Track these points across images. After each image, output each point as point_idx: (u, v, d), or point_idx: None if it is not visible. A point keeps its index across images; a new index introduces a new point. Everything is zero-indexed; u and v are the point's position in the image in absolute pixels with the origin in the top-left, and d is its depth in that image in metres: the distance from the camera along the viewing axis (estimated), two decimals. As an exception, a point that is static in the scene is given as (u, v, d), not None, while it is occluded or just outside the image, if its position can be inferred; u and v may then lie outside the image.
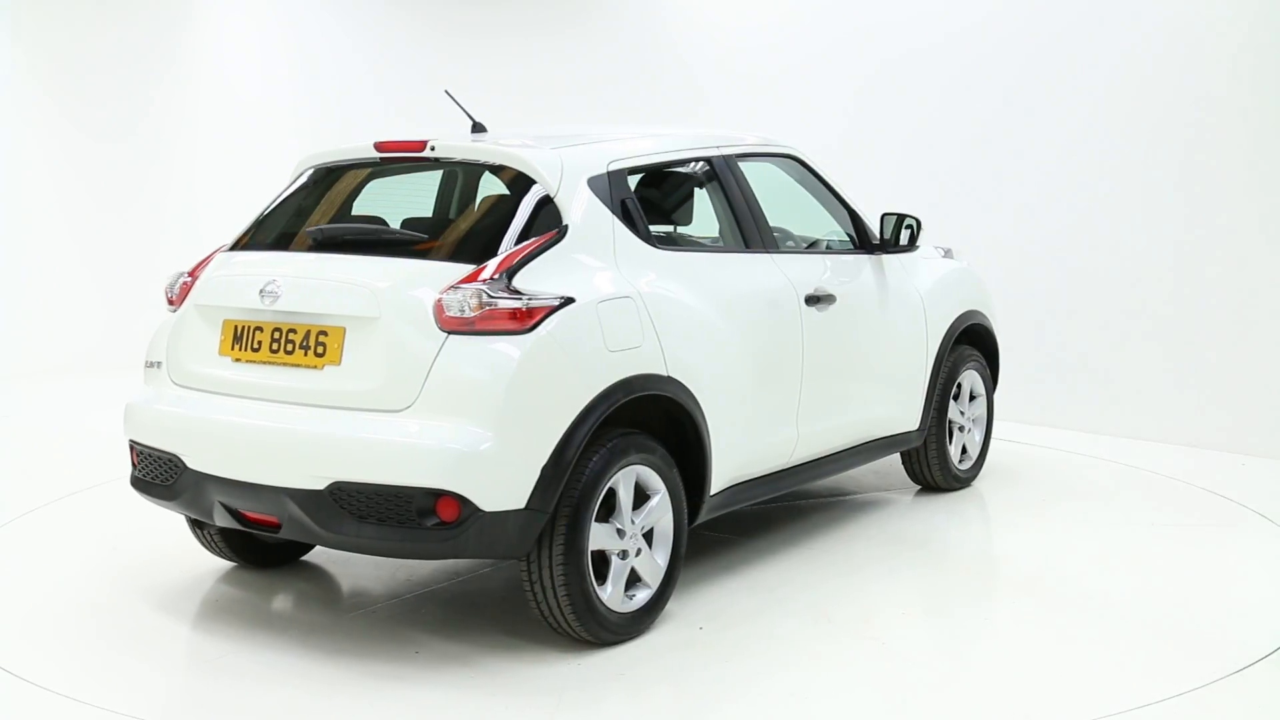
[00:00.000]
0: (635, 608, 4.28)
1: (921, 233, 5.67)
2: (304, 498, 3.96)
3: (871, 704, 3.84)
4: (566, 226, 4.22)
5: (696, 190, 5.09)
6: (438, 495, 3.83)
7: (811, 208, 5.65)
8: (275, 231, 4.68)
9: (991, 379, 6.43)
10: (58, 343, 10.21)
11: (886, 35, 8.53)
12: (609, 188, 4.43)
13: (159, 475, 4.45)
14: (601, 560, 4.19)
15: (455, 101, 5.16)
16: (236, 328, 4.30)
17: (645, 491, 4.32)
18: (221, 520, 4.27)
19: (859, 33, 8.68)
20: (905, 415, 5.78)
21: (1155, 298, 7.46)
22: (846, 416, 5.38)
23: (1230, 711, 3.80)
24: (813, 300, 5.08)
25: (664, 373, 4.29)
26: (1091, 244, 7.67)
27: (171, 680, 4.16)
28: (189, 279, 4.62)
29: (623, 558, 4.23)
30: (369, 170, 4.78)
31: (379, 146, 4.58)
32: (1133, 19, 7.47)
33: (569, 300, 4.03)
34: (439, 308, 3.93)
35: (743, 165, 5.35)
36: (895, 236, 5.60)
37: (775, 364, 4.90)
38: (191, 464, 4.26)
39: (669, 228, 5.10)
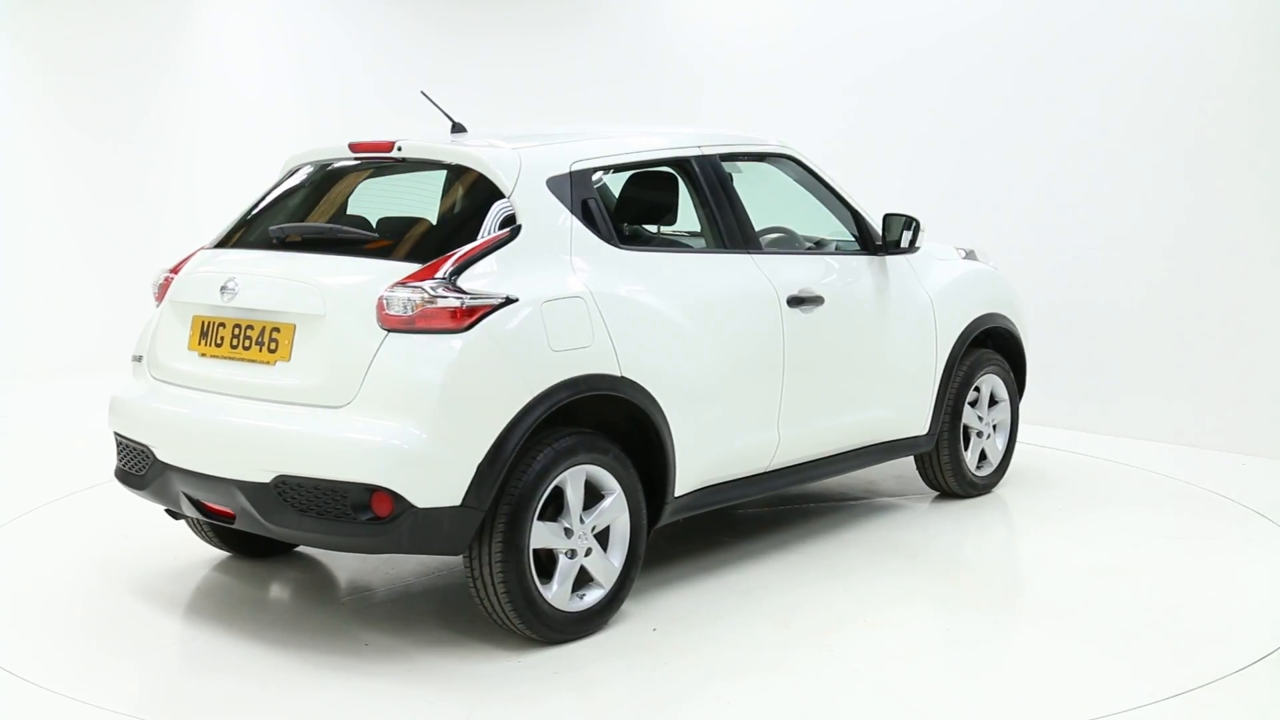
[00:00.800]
0: (585, 607, 4.30)
1: (922, 233, 5.56)
2: (252, 490, 4.06)
3: (799, 713, 3.78)
4: (520, 226, 4.26)
5: (674, 190, 5.06)
6: (372, 490, 3.89)
7: (816, 208, 5.59)
8: (253, 230, 4.77)
9: (1017, 384, 6.29)
10: (58, 343, 10.20)
11: (888, 34, 8.53)
12: (570, 188, 4.45)
13: (135, 466, 4.57)
14: (550, 558, 4.22)
15: (433, 102, 5.20)
16: (203, 323, 4.44)
17: (601, 492, 4.33)
18: (188, 510, 4.40)
19: (860, 32, 8.68)
20: (911, 419, 5.69)
21: (1155, 298, 7.46)
22: (839, 420, 5.31)
23: (1230, 711, 3.80)
24: (796, 302, 5.01)
25: (616, 373, 4.30)
26: (1091, 244, 7.67)
27: (148, 675, 4.19)
28: (171, 275, 4.74)
29: (570, 557, 4.24)
30: (358, 169, 4.81)
31: (353, 147, 4.69)
32: (1138, 16, 7.45)
33: (511, 300, 4.07)
34: (380, 306, 4.00)
35: (737, 165, 5.34)
36: (898, 238, 5.52)
37: (750, 366, 4.85)
38: (160, 455, 4.39)
39: (649, 227, 5.10)
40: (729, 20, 9.48)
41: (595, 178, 4.61)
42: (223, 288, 4.34)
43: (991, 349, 6.13)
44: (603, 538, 4.36)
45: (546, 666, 4.10)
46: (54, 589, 4.94)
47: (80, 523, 5.87)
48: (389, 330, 3.98)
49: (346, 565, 5.18)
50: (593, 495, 4.32)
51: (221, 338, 4.35)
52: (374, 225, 4.53)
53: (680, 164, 5.00)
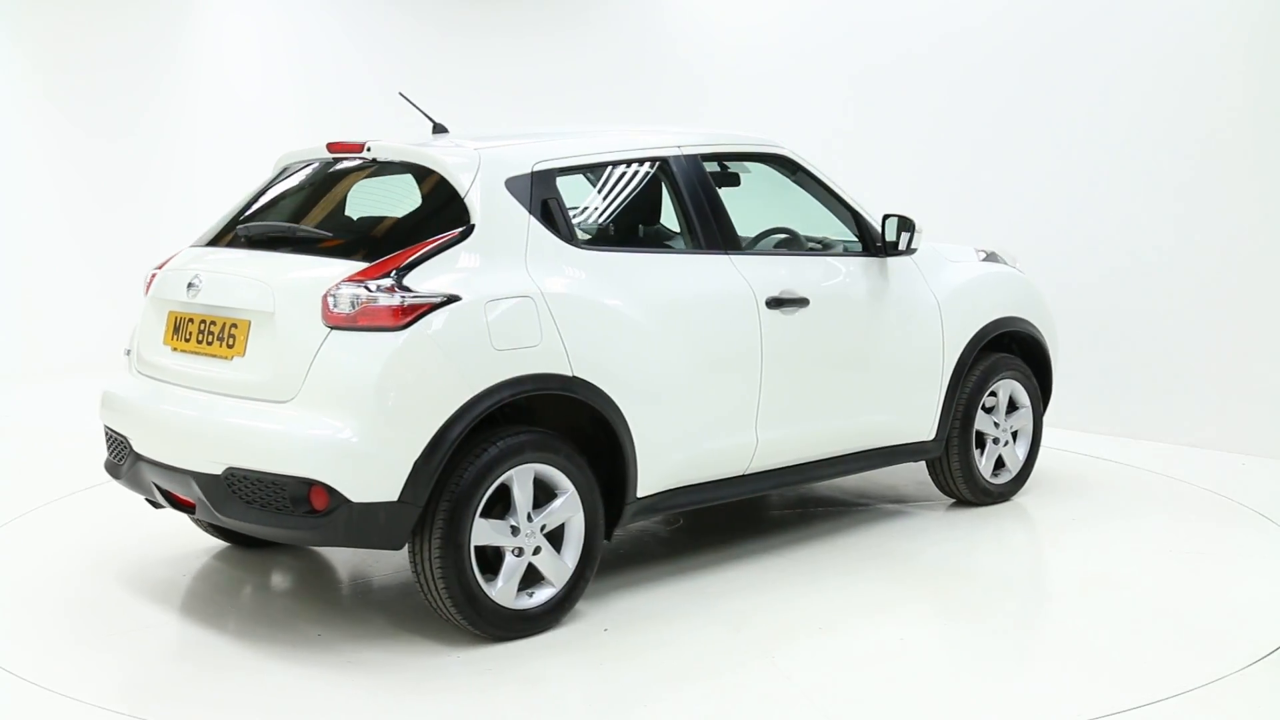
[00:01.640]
0: (533, 605, 4.33)
1: (918, 235, 5.44)
2: (205, 481, 4.19)
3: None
4: (473, 226, 4.29)
5: (649, 190, 5.07)
6: (309, 484, 3.99)
7: (822, 208, 5.52)
8: (231, 229, 4.86)
9: (1040, 390, 6.13)
10: (58, 342, 10.20)
11: (889, 32, 8.53)
12: (530, 188, 4.47)
13: (117, 456, 4.74)
14: (499, 555, 4.26)
15: (412, 103, 5.25)
16: (175, 319, 4.60)
17: (555, 491, 4.36)
18: (161, 499, 4.51)
19: (860, 30, 8.67)
20: (916, 424, 5.59)
21: (1154, 297, 7.46)
22: (829, 423, 5.25)
23: (1230, 711, 3.80)
24: (777, 303, 4.96)
25: (567, 372, 4.32)
26: (1090, 244, 7.67)
27: (140, 671, 4.22)
28: (158, 272, 4.86)
29: (518, 555, 4.27)
30: (342, 169, 4.84)
31: (330, 147, 4.77)
32: (1144, 11, 7.41)
33: (453, 298, 4.11)
34: (325, 303, 4.08)
35: (745, 165, 5.34)
36: (895, 239, 5.41)
37: (721, 367, 4.80)
38: (135, 446, 4.54)
39: (631, 227, 5.12)
40: (729, 20, 9.48)
41: (561, 178, 4.63)
42: (189, 284, 4.49)
43: (1012, 354, 5.99)
44: (557, 537, 4.38)
45: (485, 662, 4.15)
46: (53, 589, 4.95)
47: (80, 523, 5.87)
48: (332, 327, 4.07)
49: (344, 557, 5.23)
50: (549, 495, 4.35)
51: (190, 333, 4.50)
52: (343, 224, 4.62)
53: (658, 164, 4.98)
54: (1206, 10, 7.19)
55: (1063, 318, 7.76)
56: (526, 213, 4.42)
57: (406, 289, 4.06)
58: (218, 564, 5.22)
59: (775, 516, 5.87)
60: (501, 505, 4.24)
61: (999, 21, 8.03)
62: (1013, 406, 6.01)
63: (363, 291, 4.03)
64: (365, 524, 4.00)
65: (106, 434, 4.82)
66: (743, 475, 5.00)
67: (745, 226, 5.68)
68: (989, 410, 5.90)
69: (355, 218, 4.64)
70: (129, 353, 4.87)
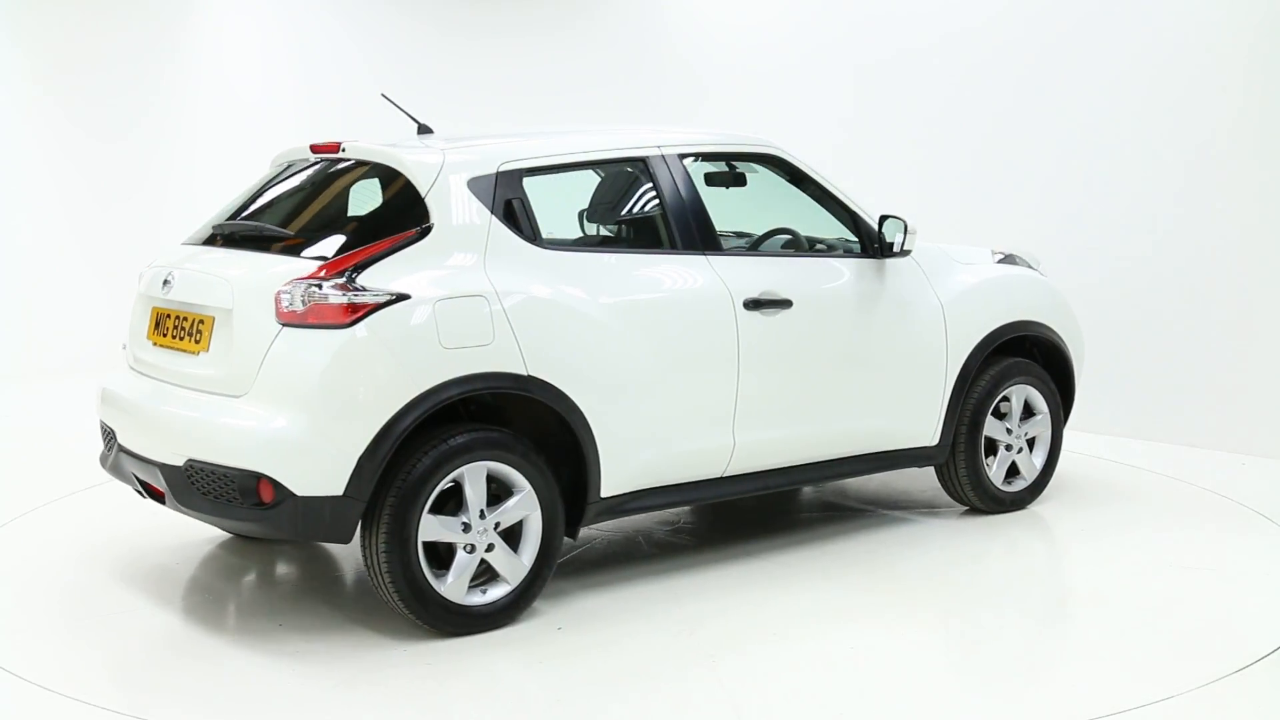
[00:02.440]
0: (486, 602, 4.37)
1: (911, 235, 5.27)
2: (169, 472, 4.34)
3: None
4: (431, 226, 4.36)
5: (624, 190, 5.07)
6: (257, 477, 4.09)
7: (820, 209, 5.46)
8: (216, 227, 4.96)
9: (1059, 395, 5.94)
10: (58, 342, 10.20)
11: (890, 31, 8.52)
12: (493, 188, 4.52)
13: (108, 447, 4.87)
14: (450, 552, 4.32)
15: (395, 104, 5.28)
16: (157, 314, 4.73)
17: (513, 489, 4.40)
18: (141, 490, 4.62)
19: (860, 29, 8.67)
20: (915, 429, 5.48)
21: (1154, 297, 7.45)
22: (814, 427, 5.17)
23: (1230, 711, 3.80)
24: (755, 304, 4.91)
25: (522, 371, 4.35)
26: (1090, 245, 7.66)
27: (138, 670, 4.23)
28: (147, 269, 4.98)
29: (469, 551, 4.31)
30: (328, 169, 4.86)
31: (312, 148, 4.86)
32: (1148, 8, 7.39)
33: (401, 297, 4.17)
34: (278, 301, 4.17)
35: (753, 166, 5.32)
36: (890, 240, 5.30)
37: (693, 369, 4.78)
38: (119, 438, 4.70)
39: (603, 227, 5.13)
40: (729, 20, 9.48)
41: (529, 179, 4.67)
42: (164, 281, 4.63)
43: (1032, 359, 5.87)
44: (516, 535, 4.41)
45: (427, 655, 4.20)
46: (53, 589, 4.96)
47: (80, 523, 5.87)
48: (284, 325, 4.16)
49: (344, 551, 5.28)
50: (509, 493, 4.40)
51: (167, 328, 4.64)
52: (309, 223, 4.68)
53: (636, 164, 4.98)
54: (1215, 10, 7.14)
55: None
56: (489, 213, 4.48)
57: (359, 288, 4.14)
58: (217, 562, 5.23)
59: (770, 520, 5.87)
60: (455, 501, 4.31)
61: (1001, 19, 8.02)
62: (1030, 413, 5.86)
63: (313, 289, 4.12)
64: (311, 517, 4.10)
65: (100, 427, 4.97)
66: (720, 478, 4.97)
67: (747, 227, 5.69)
68: (1002, 416, 5.76)
69: (323, 217, 4.71)
70: (125, 348, 4.98)
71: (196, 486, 4.27)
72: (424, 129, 5.14)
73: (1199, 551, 5.35)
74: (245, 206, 4.91)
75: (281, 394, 4.12)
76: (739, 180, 5.42)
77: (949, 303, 5.53)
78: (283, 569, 5.20)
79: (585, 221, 5.53)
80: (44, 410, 8.87)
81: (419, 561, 4.21)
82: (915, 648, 4.36)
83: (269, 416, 4.10)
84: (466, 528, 4.29)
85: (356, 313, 4.12)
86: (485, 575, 4.39)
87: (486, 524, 4.33)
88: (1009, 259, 5.98)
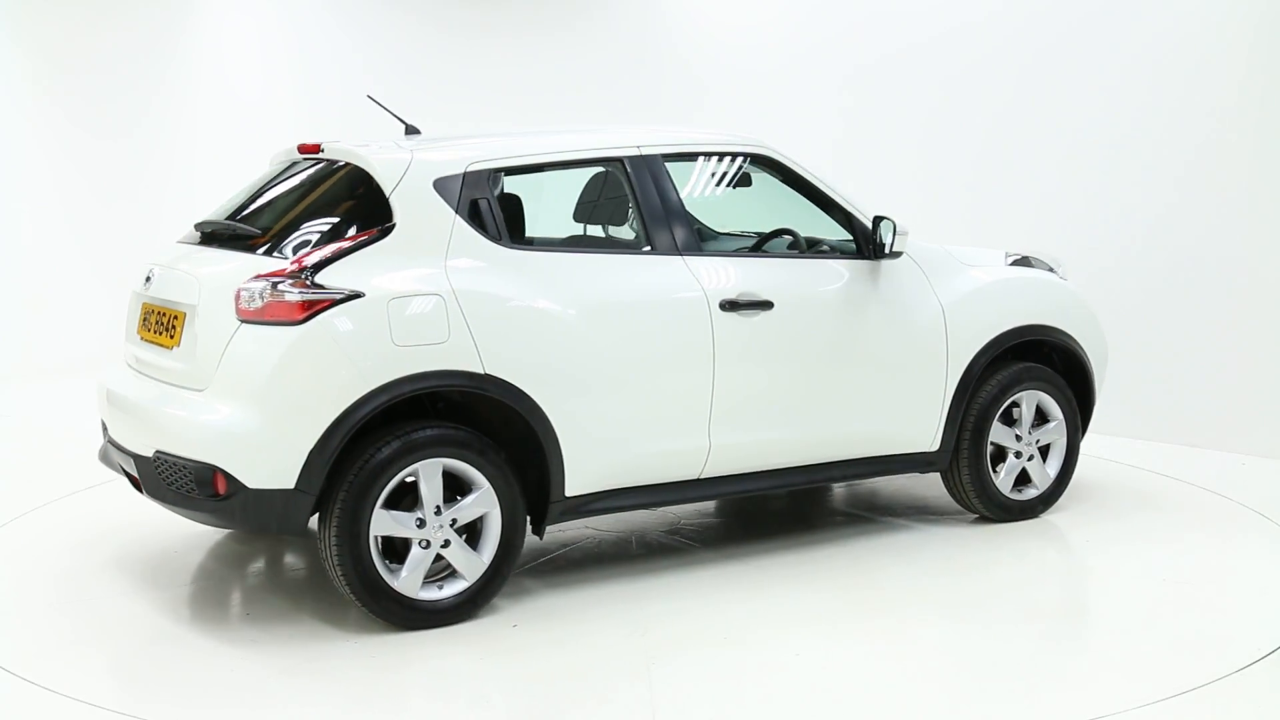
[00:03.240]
0: (442, 597, 4.42)
1: (900, 236, 5.14)
2: (141, 463, 4.48)
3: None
4: (393, 225, 4.43)
5: (597, 190, 5.08)
6: (212, 470, 4.19)
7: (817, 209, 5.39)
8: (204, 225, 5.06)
9: (1075, 402, 5.74)
10: (58, 342, 10.19)
11: (889, 30, 8.51)
12: (460, 188, 4.57)
13: (104, 440, 4.99)
14: (406, 547, 4.39)
15: (381, 105, 5.31)
16: (145, 310, 4.83)
17: (471, 486, 4.43)
18: (128, 480, 4.75)
19: (860, 28, 8.66)
20: (913, 434, 5.36)
21: (1154, 297, 7.45)
22: (798, 430, 5.08)
23: (1230, 711, 3.80)
24: (732, 305, 4.85)
25: (478, 369, 4.39)
26: (1089, 245, 7.64)
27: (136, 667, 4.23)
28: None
29: (424, 547, 4.36)
30: (317, 169, 4.88)
31: (300, 149, 4.95)
32: (1148, 6, 7.38)
33: (355, 295, 4.25)
34: (237, 298, 4.27)
35: (708, 165, 5.31)
36: (882, 242, 5.17)
37: (664, 370, 4.75)
38: (109, 431, 4.86)
39: (573, 227, 5.17)
40: (729, 20, 9.47)
41: (497, 179, 4.71)
42: (146, 278, 4.78)
43: (1049, 363, 5.72)
44: (470, 531, 4.45)
45: (374, 648, 4.26)
46: (53, 589, 4.96)
47: (80, 523, 5.87)
48: (243, 321, 4.26)
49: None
50: (466, 490, 4.45)
51: (150, 323, 4.75)
52: (279, 222, 4.73)
53: (612, 164, 4.98)
54: (1217, 9, 7.13)
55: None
56: (452, 212, 4.52)
57: (315, 285, 4.22)
58: (216, 560, 5.23)
59: (770, 524, 5.86)
60: (412, 497, 4.36)
61: (1001, 17, 8.01)
62: (1044, 419, 5.69)
63: (271, 287, 4.20)
64: (263, 509, 4.20)
65: (100, 421, 5.08)
66: (697, 479, 4.94)
67: (752, 228, 5.67)
68: (1012, 422, 5.60)
69: (296, 216, 4.73)
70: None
71: (163, 478, 4.39)
72: (411, 130, 5.15)
73: (1198, 551, 5.35)
74: (237, 205, 4.98)
75: (237, 388, 4.23)
76: (744, 181, 5.40)
77: (951, 305, 5.40)
78: (290, 558, 5.26)
79: (573, 222, 5.55)
80: (44, 410, 8.86)
81: (370, 555, 4.27)
82: (867, 656, 4.25)
83: (225, 410, 4.21)
84: (421, 523, 4.34)
85: (310, 309, 4.20)
86: (445, 571, 4.44)
87: (442, 520, 4.37)
88: (1023, 261, 5.81)
